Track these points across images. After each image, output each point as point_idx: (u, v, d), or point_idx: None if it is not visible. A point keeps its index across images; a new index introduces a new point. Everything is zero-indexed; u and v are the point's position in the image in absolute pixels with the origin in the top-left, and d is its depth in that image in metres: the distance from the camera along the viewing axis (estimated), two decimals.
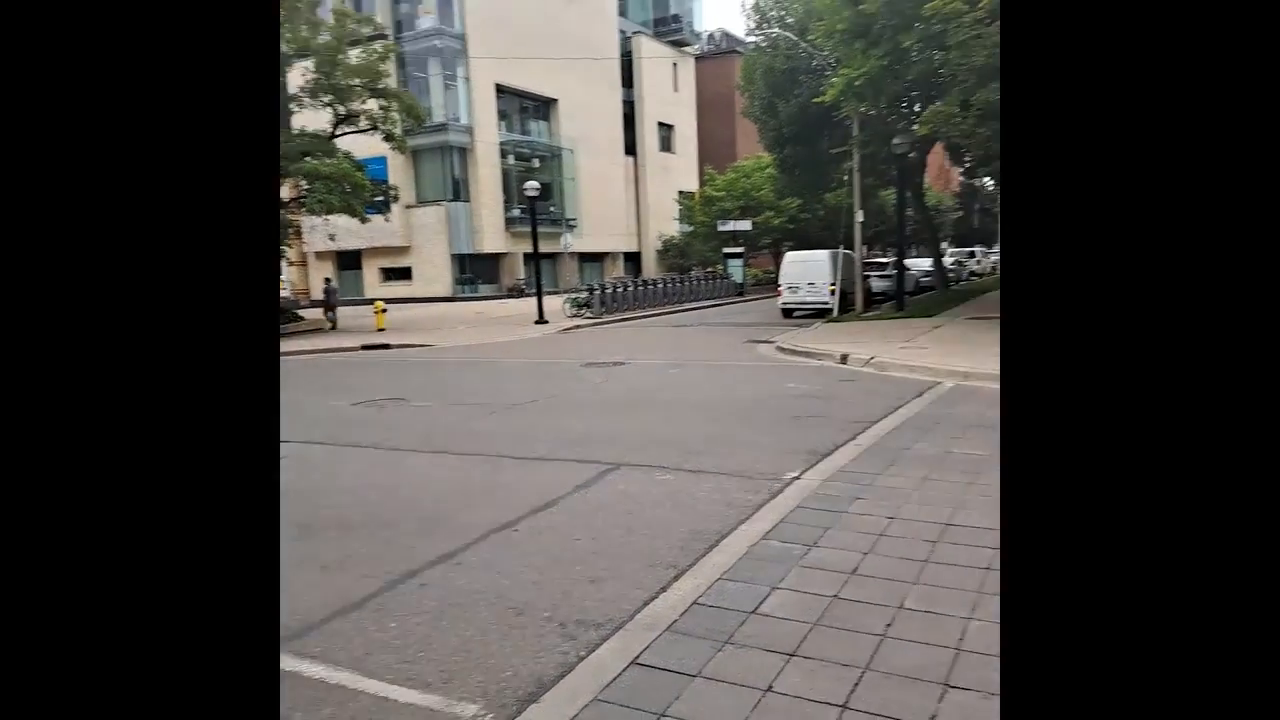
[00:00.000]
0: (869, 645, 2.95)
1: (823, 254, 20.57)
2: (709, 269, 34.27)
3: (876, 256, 31.27)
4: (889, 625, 3.10)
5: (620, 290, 24.69)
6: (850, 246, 20.52)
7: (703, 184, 38.82)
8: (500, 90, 34.57)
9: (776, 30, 21.81)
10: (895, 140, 17.89)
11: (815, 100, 18.59)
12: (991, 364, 9.81)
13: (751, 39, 25.10)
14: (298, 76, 20.64)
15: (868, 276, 21.73)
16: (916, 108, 18.72)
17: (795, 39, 20.33)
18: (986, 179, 22.14)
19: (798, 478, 5.34)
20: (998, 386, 7.52)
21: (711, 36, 50.72)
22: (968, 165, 19.96)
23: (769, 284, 32.93)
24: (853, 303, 20.03)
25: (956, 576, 3.53)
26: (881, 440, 6.38)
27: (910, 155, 19.56)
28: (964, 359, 10.37)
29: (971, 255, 38.56)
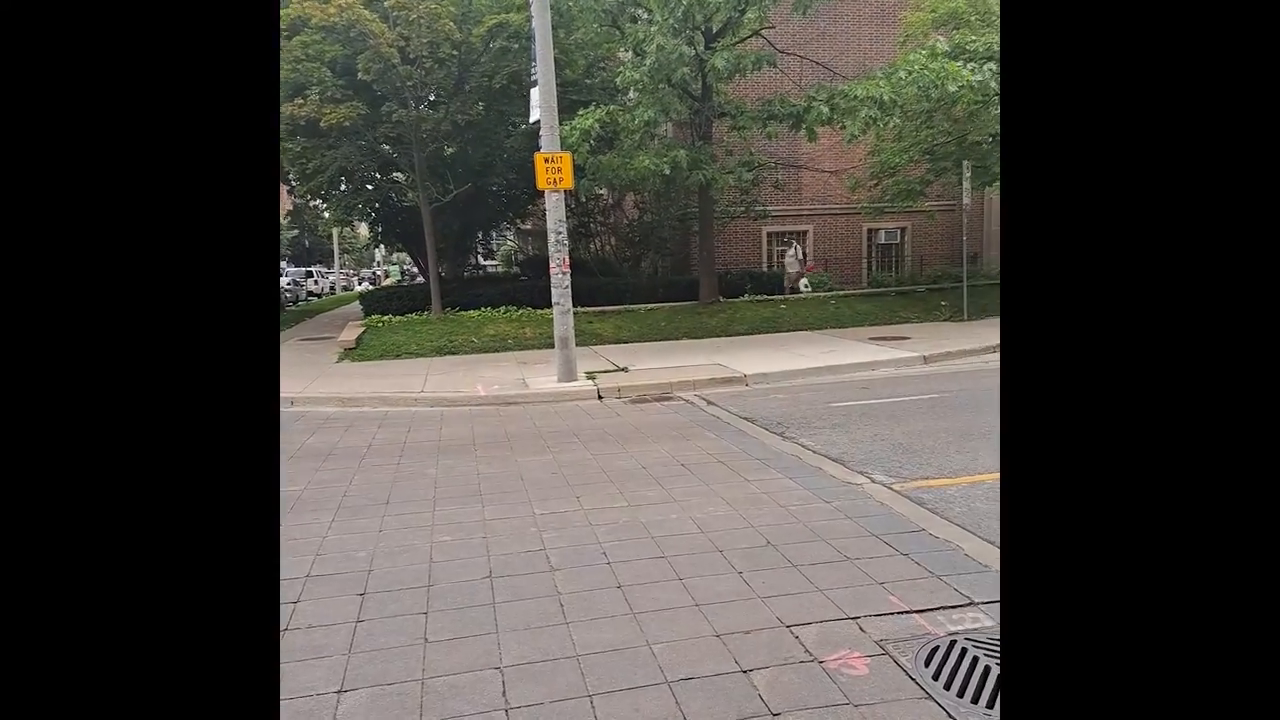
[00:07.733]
0: None
1: None
2: None
3: None
4: None
5: None
6: None
7: None
8: None
9: None
10: None
11: None
12: (321, 386, 9.89)
13: None
14: None
15: None
16: None
17: None
18: (316, 200, 22.26)
19: None
20: (328, 409, 7.49)
21: None
22: (292, 185, 19.70)
23: None
24: None
25: None
26: None
27: None
28: (297, 382, 10.22)
29: (309, 275, 38.62)
